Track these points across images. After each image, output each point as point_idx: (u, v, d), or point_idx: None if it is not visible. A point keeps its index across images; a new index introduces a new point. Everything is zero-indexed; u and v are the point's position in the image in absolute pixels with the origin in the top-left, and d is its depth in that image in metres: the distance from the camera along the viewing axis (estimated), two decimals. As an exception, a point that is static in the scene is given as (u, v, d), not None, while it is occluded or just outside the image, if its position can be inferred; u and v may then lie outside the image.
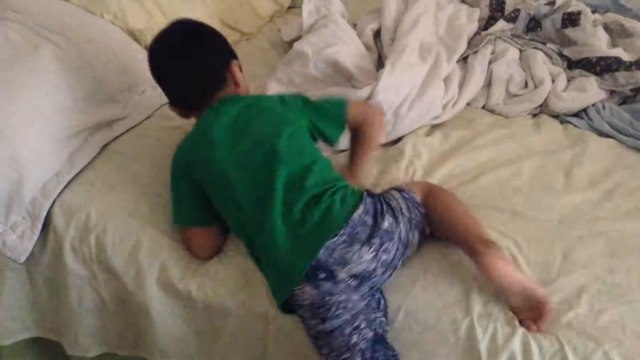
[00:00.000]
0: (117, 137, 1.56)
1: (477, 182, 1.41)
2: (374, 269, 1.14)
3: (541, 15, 1.93)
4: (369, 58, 1.79)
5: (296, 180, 1.18)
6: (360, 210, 1.15)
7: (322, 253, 1.11)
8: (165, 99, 1.42)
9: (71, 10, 1.76)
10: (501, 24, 1.91)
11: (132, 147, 1.53)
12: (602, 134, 1.61)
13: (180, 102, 1.37)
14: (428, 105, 1.59)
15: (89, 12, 1.78)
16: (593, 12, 1.92)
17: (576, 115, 1.69)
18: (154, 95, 1.67)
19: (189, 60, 1.32)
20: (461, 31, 1.84)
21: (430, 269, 1.21)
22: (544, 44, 1.87)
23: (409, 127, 1.57)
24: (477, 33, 1.90)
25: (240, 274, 1.26)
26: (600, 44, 1.79)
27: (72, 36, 1.62)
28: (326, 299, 1.11)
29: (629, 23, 1.87)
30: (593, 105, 1.69)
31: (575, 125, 1.65)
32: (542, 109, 1.72)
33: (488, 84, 1.76)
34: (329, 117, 1.33)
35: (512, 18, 1.92)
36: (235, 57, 1.39)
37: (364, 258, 1.13)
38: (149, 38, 1.81)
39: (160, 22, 1.84)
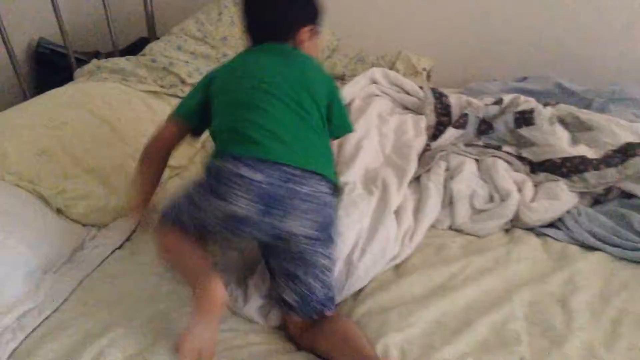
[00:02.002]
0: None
1: (468, 332, 1.20)
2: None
3: (491, 116, 1.81)
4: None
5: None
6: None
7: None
8: None
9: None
10: (450, 132, 1.77)
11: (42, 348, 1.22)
12: (584, 244, 1.46)
13: (249, 32, 1.42)
14: (382, 247, 1.37)
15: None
16: (544, 105, 1.81)
17: (551, 224, 1.54)
18: (75, 268, 1.42)
19: (272, 5, 1.39)
20: (410, 148, 1.68)
21: None
22: (500, 147, 1.73)
23: (365, 276, 1.34)
24: (427, 145, 1.75)
25: None
26: (561, 144, 1.66)
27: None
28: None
29: (585, 115, 1.75)
30: (568, 211, 1.54)
31: (554, 238, 1.48)
32: (514, 223, 1.55)
33: (450, 201, 1.59)
34: (341, 114, 1.40)
35: (461, 124, 1.79)
36: (314, 21, 1.40)
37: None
38: (60, 202, 1.57)
39: (74, 181, 1.61)
